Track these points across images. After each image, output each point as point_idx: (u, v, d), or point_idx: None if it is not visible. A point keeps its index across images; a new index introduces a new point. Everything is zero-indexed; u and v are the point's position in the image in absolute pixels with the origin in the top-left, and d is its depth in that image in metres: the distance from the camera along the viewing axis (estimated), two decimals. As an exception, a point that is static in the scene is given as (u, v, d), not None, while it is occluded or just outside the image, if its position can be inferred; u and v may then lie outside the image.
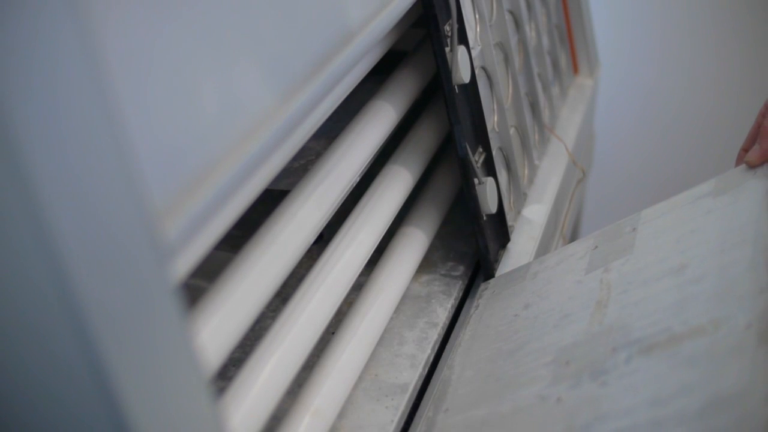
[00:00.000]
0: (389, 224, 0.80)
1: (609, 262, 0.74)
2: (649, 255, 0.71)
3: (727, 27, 1.81)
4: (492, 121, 0.93)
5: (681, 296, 0.63)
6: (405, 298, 0.84)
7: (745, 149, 0.80)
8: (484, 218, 0.87)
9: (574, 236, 1.21)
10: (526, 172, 1.03)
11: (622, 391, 0.58)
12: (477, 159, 0.86)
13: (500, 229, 0.91)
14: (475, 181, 0.85)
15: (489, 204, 0.86)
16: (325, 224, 0.70)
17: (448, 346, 0.79)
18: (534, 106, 1.07)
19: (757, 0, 1.81)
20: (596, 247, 0.78)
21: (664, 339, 0.59)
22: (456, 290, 0.86)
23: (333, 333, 0.74)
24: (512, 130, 0.98)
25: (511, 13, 1.02)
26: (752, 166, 0.74)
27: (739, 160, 0.79)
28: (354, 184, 0.75)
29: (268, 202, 0.69)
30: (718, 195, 0.73)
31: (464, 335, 0.79)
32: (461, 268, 0.89)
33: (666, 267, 0.67)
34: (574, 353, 0.65)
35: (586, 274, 0.74)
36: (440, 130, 0.92)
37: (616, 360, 0.61)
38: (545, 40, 1.16)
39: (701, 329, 0.58)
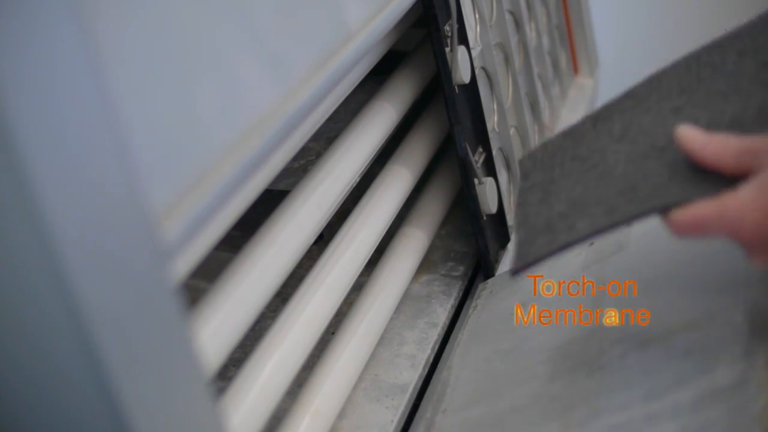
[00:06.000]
0: (389, 224, 0.80)
1: (604, 258, 0.74)
2: (643, 250, 0.71)
3: (728, 26, 1.81)
4: (492, 121, 0.93)
5: (676, 290, 0.63)
6: (405, 298, 0.84)
7: None
8: (484, 218, 0.87)
9: (574, 236, 1.21)
10: (526, 172, 1.03)
11: (617, 386, 0.58)
12: (477, 159, 0.86)
13: (500, 229, 0.91)
14: (475, 181, 0.85)
15: (489, 204, 0.86)
16: (325, 224, 0.70)
17: (447, 347, 0.80)
18: (534, 106, 1.07)
19: (757, 0, 1.81)
20: (592, 243, 0.78)
21: (658, 333, 0.60)
22: (456, 290, 0.86)
23: (333, 333, 0.74)
24: (512, 130, 0.98)
25: (511, 13, 1.02)
26: None
27: None
28: (354, 184, 0.75)
29: (268, 202, 0.69)
30: None
31: (462, 336, 0.79)
32: (461, 269, 0.89)
33: (661, 261, 0.68)
34: (570, 350, 0.65)
35: (582, 271, 0.74)
36: (440, 130, 0.92)
37: (612, 356, 0.61)
38: (545, 40, 1.16)
39: (695, 322, 0.58)
